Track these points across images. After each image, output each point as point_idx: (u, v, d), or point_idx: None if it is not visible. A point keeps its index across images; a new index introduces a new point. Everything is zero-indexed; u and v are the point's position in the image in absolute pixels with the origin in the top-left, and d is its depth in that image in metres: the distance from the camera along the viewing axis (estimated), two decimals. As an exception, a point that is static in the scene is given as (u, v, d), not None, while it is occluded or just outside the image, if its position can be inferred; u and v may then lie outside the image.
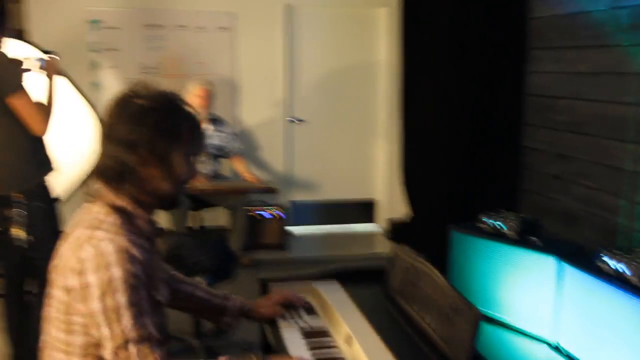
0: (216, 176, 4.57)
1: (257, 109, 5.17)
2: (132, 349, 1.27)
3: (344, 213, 5.51)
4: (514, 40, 3.96)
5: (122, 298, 1.26)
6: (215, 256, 2.98)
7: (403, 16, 4.43)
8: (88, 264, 1.26)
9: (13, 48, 2.80)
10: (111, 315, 1.26)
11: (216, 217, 4.94)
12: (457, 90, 4.12)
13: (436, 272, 1.55)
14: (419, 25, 4.29)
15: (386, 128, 5.32)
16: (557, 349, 2.38)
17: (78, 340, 1.32)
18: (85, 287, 1.27)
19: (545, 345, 2.41)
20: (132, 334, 1.26)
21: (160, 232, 1.46)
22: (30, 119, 2.61)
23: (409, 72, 4.41)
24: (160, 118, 1.35)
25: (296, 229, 5.28)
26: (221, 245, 3.11)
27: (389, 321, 1.64)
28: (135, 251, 1.29)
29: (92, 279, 1.26)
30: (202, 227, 4.58)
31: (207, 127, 4.44)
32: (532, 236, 2.68)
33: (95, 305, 1.26)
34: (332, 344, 1.59)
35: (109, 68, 4.91)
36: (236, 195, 4.36)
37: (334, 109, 5.37)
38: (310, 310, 1.76)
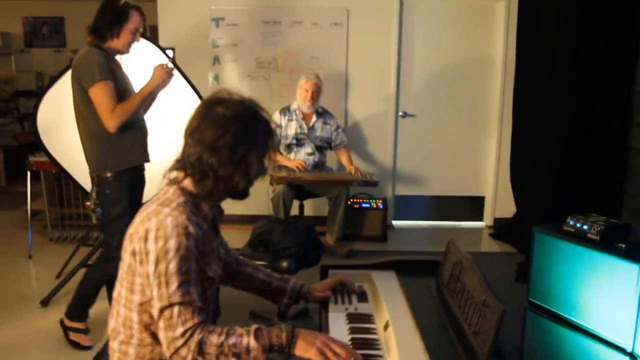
0: (320, 167, 4.53)
1: (367, 103, 5.14)
2: (175, 310, 1.34)
3: (450, 209, 5.40)
4: (627, 40, 3.85)
5: (172, 265, 1.34)
6: (301, 244, 2.99)
7: (521, 11, 4.36)
8: (151, 233, 1.36)
9: (140, 47, 2.89)
10: (161, 279, 1.35)
11: (319, 207, 4.98)
12: (570, 88, 4.02)
13: (476, 267, 1.55)
14: (537, 22, 4.25)
15: (497, 124, 5.16)
16: (632, 355, 2.33)
17: (137, 298, 1.44)
18: (146, 252, 1.37)
19: (620, 353, 2.35)
20: (176, 297, 1.34)
21: (221, 215, 1.55)
22: (102, 113, 2.68)
23: (525, 69, 4.38)
24: (241, 127, 1.42)
25: (399, 223, 5.26)
26: (308, 233, 3.09)
27: (430, 311, 1.65)
28: (191, 228, 1.36)
29: (152, 246, 1.36)
30: (296, 216, 4.53)
31: (314, 120, 4.42)
32: (619, 242, 2.53)
33: (151, 268, 1.36)
34: (372, 328, 1.60)
35: (228, 62, 5.02)
36: (338, 187, 4.29)
37: (445, 104, 5.23)
38: (362, 296, 1.77)
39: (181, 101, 3.61)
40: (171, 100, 3.35)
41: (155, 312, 1.37)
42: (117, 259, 1.50)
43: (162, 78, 2.79)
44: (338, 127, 4.58)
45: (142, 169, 2.96)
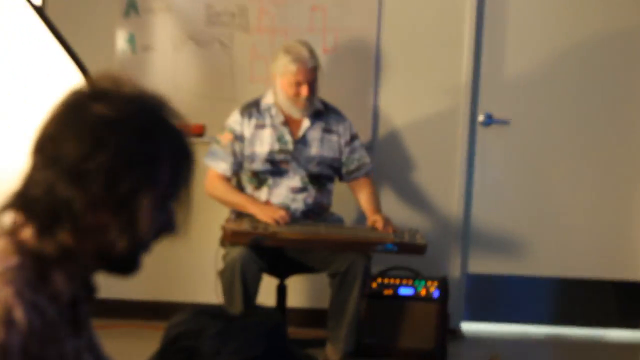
0: (318, 215, 4.33)
1: (414, 97, 4.88)
2: None
3: (580, 305, 5.32)
4: None
5: None
6: (254, 358, 3.20)
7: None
8: None
9: None
10: None
11: (317, 293, 4.84)
12: None
13: None
14: None
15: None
16: None
17: None
18: None
19: None
20: None
21: (89, 294, 1.57)
22: None
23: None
24: (130, 139, 1.42)
25: (473, 328, 5.11)
26: (272, 337, 3.30)
27: None
28: (20, 313, 1.34)
29: None
30: (256, 307, 4.23)
31: (306, 125, 4.30)
32: None
33: None
34: None
35: (155, 13, 4.82)
36: (350, 255, 4.08)
37: (566, 106, 4.98)
38: None
39: (46, 83, 3.60)
40: (29, 80, 3.46)
41: None
42: None
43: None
44: (353, 138, 4.41)
45: None
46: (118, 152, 1.40)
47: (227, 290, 3.94)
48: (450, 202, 4.92)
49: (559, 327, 5.11)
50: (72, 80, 3.60)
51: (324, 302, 4.37)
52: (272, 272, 4.19)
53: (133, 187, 1.42)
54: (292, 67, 4.12)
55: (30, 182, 1.45)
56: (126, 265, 1.50)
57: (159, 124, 1.47)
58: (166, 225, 1.51)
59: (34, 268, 1.42)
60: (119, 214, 1.43)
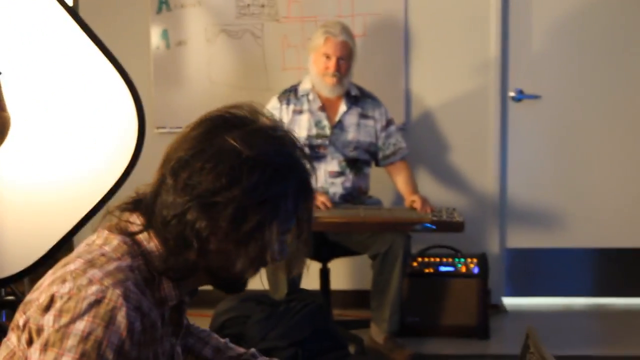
0: (355, 199, 4.35)
1: (445, 75, 4.89)
2: None
3: (614, 274, 5.24)
4: None
5: None
6: (300, 341, 3.12)
7: None
8: (57, 302, 1.39)
9: None
10: None
11: (358, 274, 4.86)
12: None
13: None
14: None
15: None
16: None
17: None
18: (37, 329, 1.41)
19: None
20: None
21: (191, 297, 1.63)
22: None
23: None
24: (264, 180, 1.45)
25: (515, 302, 5.11)
26: (315, 321, 3.23)
27: None
28: (123, 316, 1.39)
29: (49, 320, 1.38)
30: (304, 292, 4.15)
31: (343, 110, 4.32)
32: None
33: (34, 355, 1.39)
34: None
35: (187, 7, 4.83)
36: (390, 235, 4.08)
37: (594, 79, 4.95)
38: None
39: (86, 86, 3.67)
40: (65, 84, 3.51)
41: None
42: None
43: None
44: (389, 123, 4.42)
45: None
46: (250, 190, 1.43)
47: (271, 276, 3.98)
48: (486, 179, 4.93)
49: (600, 298, 5.12)
50: (110, 80, 3.69)
51: (366, 284, 4.40)
52: (315, 256, 4.22)
53: (260, 222, 1.45)
54: (321, 40, 4.15)
55: (160, 201, 1.49)
56: (236, 285, 1.57)
57: (291, 166, 1.50)
58: (281, 253, 1.53)
59: (145, 272, 1.48)
60: (244, 245, 1.47)
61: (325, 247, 4.24)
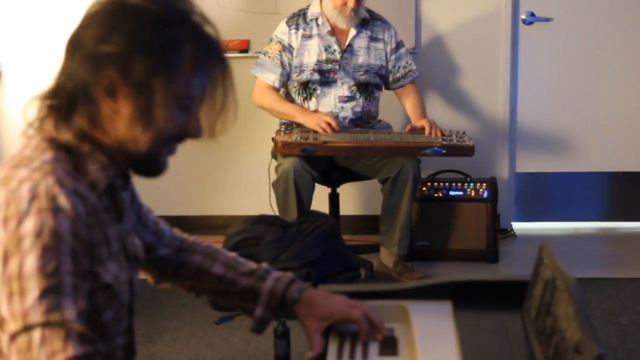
0: (365, 123, 4.35)
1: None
2: (35, 335, 1.36)
3: (623, 198, 5.24)
4: None
5: (30, 262, 1.37)
6: (312, 262, 3.16)
7: None
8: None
9: None
10: (13, 286, 1.38)
11: (369, 199, 4.87)
12: None
13: (573, 289, 1.51)
14: None
15: None
16: None
17: None
18: None
19: None
20: (36, 314, 1.36)
21: (125, 184, 1.61)
22: None
23: None
24: (146, 24, 1.43)
25: (524, 227, 5.14)
26: (326, 241, 3.27)
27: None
28: (64, 200, 1.41)
29: None
30: (315, 214, 4.17)
31: (352, 34, 4.29)
32: None
33: None
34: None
35: None
36: (399, 159, 4.12)
37: (613, 3, 4.89)
38: (389, 346, 1.76)
39: None
40: None
41: (4, 339, 1.39)
42: None
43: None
44: (399, 45, 4.39)
45: None
46: (131, 34, 1.41)
47: (282, 200, 4.02)
48: (496, 103, 4.94)
49: (610, 222, 5.14)
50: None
51: (376, 209, 4.44)
52: (324, 181, 4.27)
53: (146, 72, 1.42)
54: None
55: (58, 75, 1.48)
56: (150, 163, 1.52)
57: (183, 15, 1.46)
58: (190, 127, 1.50)
59: (69, 160, 1.47)
60: (135, 101, 1.44)
61: (335, 172, 4.28)
